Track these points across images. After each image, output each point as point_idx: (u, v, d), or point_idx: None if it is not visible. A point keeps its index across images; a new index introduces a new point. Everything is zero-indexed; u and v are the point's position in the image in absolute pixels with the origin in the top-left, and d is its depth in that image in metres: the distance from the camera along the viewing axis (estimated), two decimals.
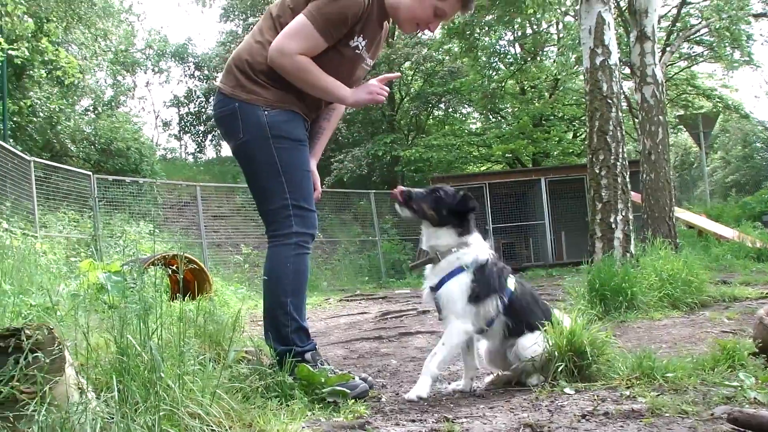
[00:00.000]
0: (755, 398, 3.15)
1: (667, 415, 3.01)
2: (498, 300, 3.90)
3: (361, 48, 4.01)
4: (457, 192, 4.04)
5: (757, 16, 26.81)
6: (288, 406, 3.34)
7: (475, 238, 4.02)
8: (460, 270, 3.90)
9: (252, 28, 4.14)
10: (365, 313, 10.18)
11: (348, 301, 13.27)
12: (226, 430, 2.77)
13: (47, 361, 2.55)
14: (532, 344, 3.87)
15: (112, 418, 2.55)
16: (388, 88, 4.09)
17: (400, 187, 4.11)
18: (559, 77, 27.08)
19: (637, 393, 3.42)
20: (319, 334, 7.70)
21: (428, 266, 4.09)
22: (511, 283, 4.02)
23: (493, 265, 3.96)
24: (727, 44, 20.65)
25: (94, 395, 2.69)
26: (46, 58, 19.77)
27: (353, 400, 3.62)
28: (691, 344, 5.10)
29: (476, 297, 3.86)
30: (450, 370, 4.83)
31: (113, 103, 33.04)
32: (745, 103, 63.35)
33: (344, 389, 3.62)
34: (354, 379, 3.79)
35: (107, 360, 2.92)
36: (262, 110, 3.84)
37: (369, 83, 4.05)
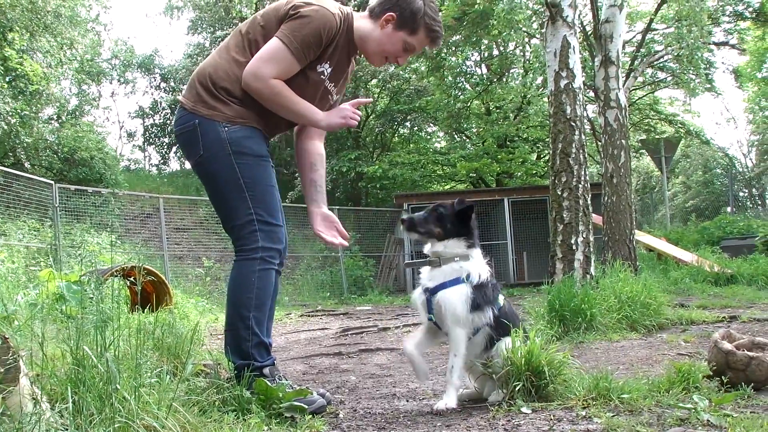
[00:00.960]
0: (708, 420, 3.19)
1: None
2: (491, 312, 3.97)
3: (326, 74, 4.04)
4: (453, 203, 4.14)
5: (718, 44, 27.22)
6: (245, 420, 3.32)
7: (477, 252, 4.12)
8: (460, 281, 3.97)
9: (219, 42, 4.15)
10: (326, 329, 10.17)
11: (309, 316, 13.25)
12: None
13: (1, 370, 2.53)
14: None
15: (66, 430, 2.54)
16: (360, 112, 4.11)
17: (404, 216, 4.20)
18: (524, 96, 27.23)
19: (593, 413, 3.45)
20: (279, 349, 7.68)
21: (425, 267, 4.15)
22: (501, 299, 4.10)
23: (490, 282, 4.06)
24: (688, 71, 20.96)
25: (49, 406, 2.67)
26: (9, 65, 19.60)
27: (311, 416, 3.61)
28: (647, 366, 5.15)
29: (476, 307, 3.92)
30: (408, 387, 4.84)
31: (77, 113, 32.76)
32: (707, 130, 64.22)
33: (302, 404, 3.61)
34: (312, 394, 3.79)
35: (63, 371, 2.90)
36: (222, 126, 3.83)
37: (342, 107, 4.07)
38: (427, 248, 4.18)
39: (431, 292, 4.00)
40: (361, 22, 4.09)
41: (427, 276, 4.09)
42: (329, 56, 4.00)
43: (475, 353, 4.05)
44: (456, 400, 3.86)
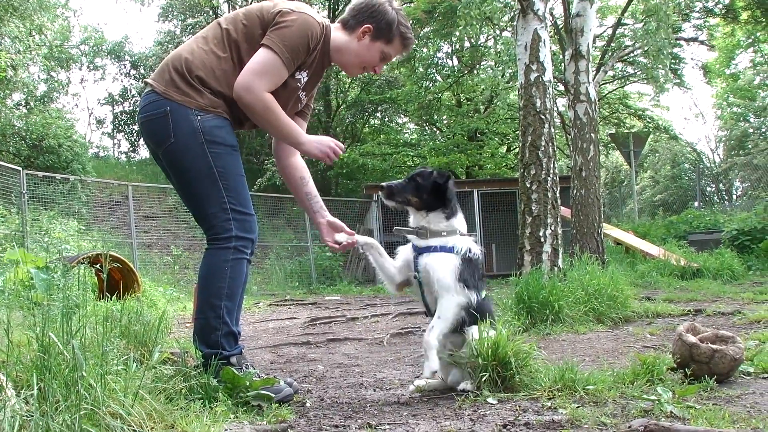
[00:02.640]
0: (671, 412, 3.23)
1: (586, 426, 3.07)
2: (475, 295, 4.02)
3: (302, 83, 4.07)
4: (431, 173, 4.18)
5: (688, 40, 27.43)
6: (211, 408, 3.32)
7: (460, 221, 4.18)
8: (450, 249, 4.02)
9: (190, 30, 4.12)
10: (294, 318, 10.16)
11: (278, 305, 13.22)
12: (148, 430, 2.76)
13: None
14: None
15: (32, 417, 2.53)
16: (340, 152, 4.10)
17: (383, 183, 4.26)
18: (492, 91, 27.33)
19: (558, 404, 3.48)
20: (247, 338, 7.67)
21: (413, 236, 4.19)
22: (484, 292, 4.14)
23: (478, 265, 4.13)
24: (657, 67, 21.14)
25: (14, 393, 2.66)
26: None
27: (277, 405, 3.62)
28: (613, 358, 5.19)
29: (463, 280, 3.97)
30: (376, 377, 4.85)
31: (46, 99, 32.44)
32: (675, 125, 64.66)
33: (269, 393, 3.61)
34: (279, 383, 3.79)
35: (29, 357, 2.88)
36: (194, 114, 3.79)
37: (327, 141, 4.04)
38: (412, 221, 4.24)
39: (419, 252, 4.08)
40: (337, 34, 4.12)
41: (416, 239, 4.15)
42: (309, 65, 4.02)
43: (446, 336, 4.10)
44: (437, 361, 3.89)
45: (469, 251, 4.05)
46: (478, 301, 4.03)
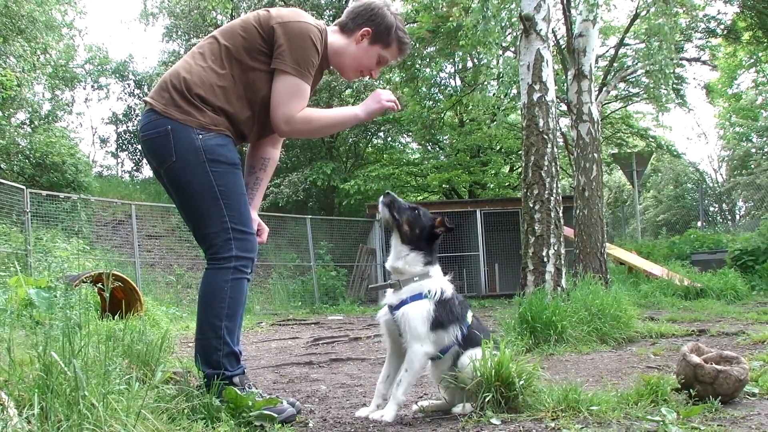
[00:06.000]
0: None
1: None
2: (458, 330, 3.98)
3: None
4: (435, 217, 4.16)
5: (690, 60, 27.49)
6: (214, 428, 3.31)
7: (436, 270, 4.12)
8: (422, 296, 3.96)
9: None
10: (297, 338, 10.14)
11: (280, 325, 13.20)
12: None
13: None
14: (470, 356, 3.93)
15: None
16: (395, 97, 4.12)
17: (390, 191, 4.28)
18: (491, 111, 27.36)
19: (562, 425, 3.46)
20: (249, 358, 7.65)
21: (389, 290, 4.14)
22: (470, 316, 4.10)
23: (455, 298, 4.06)
24: (659, 87, 21.16)
25: (16, 412, 2.65)
26: None
27: (280, 425, 3.60)
28: (617, 378, 5.18)
29: (439, 324, 3.93)
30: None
31: (50, 118, 32.45)
32: (678, 144, 64.71)
33: (271, 413, 3.59)
34: (282, 403, 3.77)
35: (31, 377, 2.87)
36: (196, 133, 3.77)
37: (378, 92, 4.10)
38: (388, 263, 4.19)
39: (394, 309, 4.01)
40: (334, 37, 4.13)
41: (391, 295, 4.10)
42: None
43: (441, 369, 4.06)
44: (395, 415, 3.88)
45: (443, 293, 4.00)
46: (465, 331, 4.00)
